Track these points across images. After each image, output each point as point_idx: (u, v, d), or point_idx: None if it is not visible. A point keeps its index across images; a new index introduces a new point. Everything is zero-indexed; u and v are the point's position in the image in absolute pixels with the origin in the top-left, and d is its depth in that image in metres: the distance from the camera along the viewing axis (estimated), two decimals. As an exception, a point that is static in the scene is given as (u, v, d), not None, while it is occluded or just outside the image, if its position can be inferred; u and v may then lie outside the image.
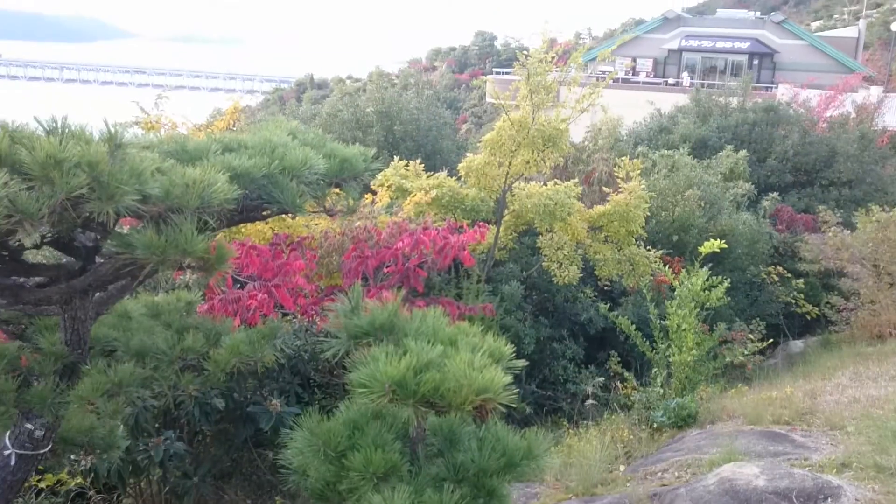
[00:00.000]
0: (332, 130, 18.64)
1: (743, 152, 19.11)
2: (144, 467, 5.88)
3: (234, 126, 9.59)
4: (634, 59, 46.09)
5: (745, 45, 44.46)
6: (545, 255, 11.74)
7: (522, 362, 3.42)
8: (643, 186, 12.70)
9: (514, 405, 3.10)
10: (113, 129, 2.57)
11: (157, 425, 6.17)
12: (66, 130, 2.56)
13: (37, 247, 3.42)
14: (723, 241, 8.85)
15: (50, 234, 3.20)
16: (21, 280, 3.35)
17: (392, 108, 20.38)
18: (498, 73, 46.32)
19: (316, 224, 8.69)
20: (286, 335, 6.59)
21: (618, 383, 10.10)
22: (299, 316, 7.36)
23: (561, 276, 11.42)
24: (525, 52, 11.37)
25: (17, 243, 3.26)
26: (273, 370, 6.63)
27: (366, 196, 10.33)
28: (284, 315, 7.08)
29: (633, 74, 45.51)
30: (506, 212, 11.99)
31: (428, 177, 12.30)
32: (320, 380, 7.34)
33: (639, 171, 12.82)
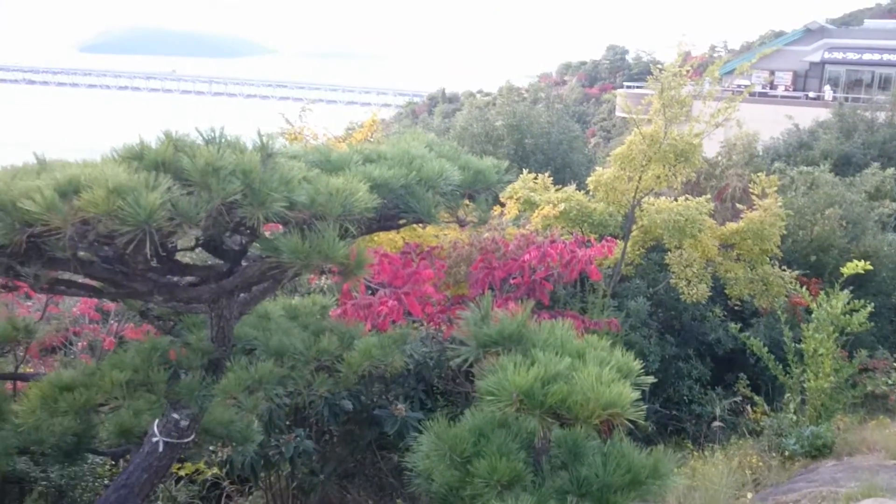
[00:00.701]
0: (463, 143, 18.90)
1: (891, 170, 18.00)
2: (275, 462, 6.13)
3: (371, 138, 9.89)
4: (772, 73, 44.22)
5: (895, 57, 41.84)
6: (673, 272, 11.45)
7: (650, 378, 3.37)
8: (779, 204, 12.18)
9: (641, 421, 3.06)
10: (264, 140, 2.74)
11: (288, 423, 6.42)
12: (223, 140, 2.75)
13: (191, 248, 3.67)
14: (867, 263, 8.37)
15: (203, 237, 3.43)
16: (175, 279, 3.60)
17: (522, 121, 20.44)
18: (629, 86, 45.55)
19: (445, 234, 8.83)
20: (414, 342, 6.73)
21: (746, 407, 9.72)
22: (426, 323, 7.49)
23: (689, 293, 11.10)
24: (658, 65, 11.16)
25: (173, 245, 3.51)
26: (399, 375, 6.78)
27: (495, 208, 10.41)
28: (412, 322, 7.23)
29: (771, 88, 43.67)
30: (634, 227, 11.78)
31: (556, 190, 12.26)
32: (443, 387, 7.45)
33: (775, 188, 12.30)
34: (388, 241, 8.67)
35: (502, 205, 11.23)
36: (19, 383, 5.48)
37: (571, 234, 10.25)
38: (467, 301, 6.04)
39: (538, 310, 7.66)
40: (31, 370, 6.16)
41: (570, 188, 12.36)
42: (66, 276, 3.34)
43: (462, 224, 4.09)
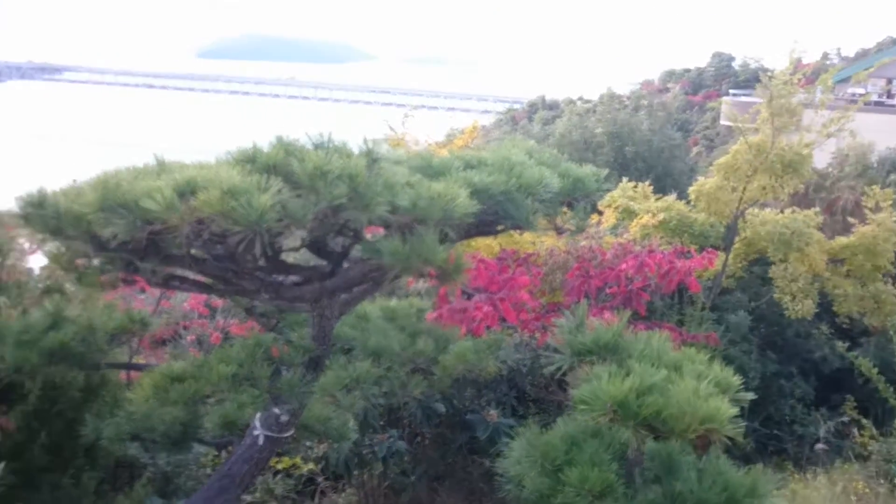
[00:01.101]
0: (563, 151, 18.79)
1: None
2: (368, 461, 6.25)
3: (471, 144, 9.98)
4: (889, 81, 42.04)
5: None
6: (777, 287, 11.05)
7: (750, 395, 3.29)
8: (894, 218, 11.58)
9: (738, 439, 2.99)
10: (370, 145, 2.82)
11: (382, 423, 6.54)
12: (331, 145, 2.85)
13: (296, 249, 3.80)
14: None
15: (308, 238, 3.55)
16: (280, 278, 3.73)
17: (623, 129, 20.19)
18: (735, 94, 44.13)
19: (542, 241, 8.81)
20: (507, 348, 6.75)
21: (853, 430, 9.28)
22: (520, 330, 7.49)
23: (794, 309, 10.69)
24: (768, 73, 10.81)
25: (279, 245, 3.65)
26: (492, 381, 6.81)
27: (592, 216, 10.32)
28: (506, 328, 7.25)
29: (888, 97, 41.51)
30: (736, 239, 11.44)
31: (656, 199, 12.04)
32: (535, 395, 7.44)
33: (890, 202, 11.70)
34: (485, 246, 8.72)
35: (600, 213, 11.12)
36: (132, 373, 5.79)
37: (671, 244, 10.04)
38: (562, 309, 6.02)
39: (634, 320, 7.55)
40: (143, 361, 6.48)
41: (671, 197, 12.11)
42: (180, 272, 3.52)
43: (560, 232, 4.08)
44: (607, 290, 7.89)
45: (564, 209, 3.99)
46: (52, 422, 5.03)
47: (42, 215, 2.83)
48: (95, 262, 3.17)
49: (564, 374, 3.63)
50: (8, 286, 4.87)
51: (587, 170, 3.85)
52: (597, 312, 6.74)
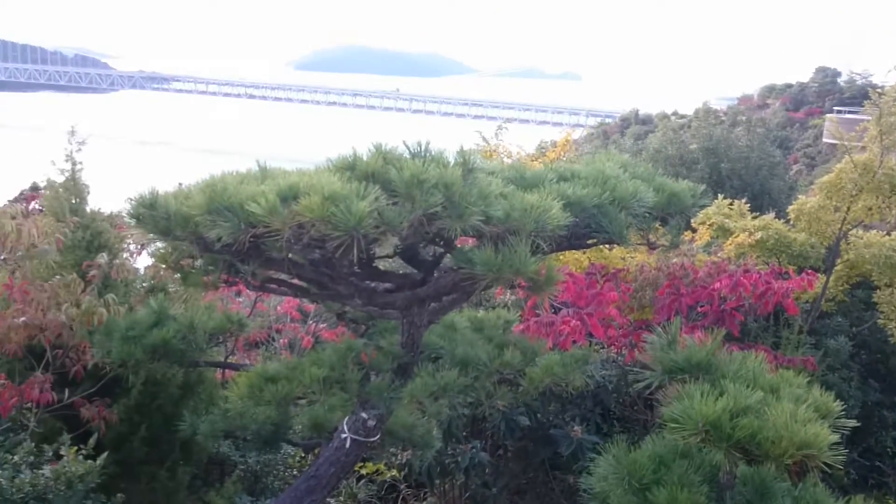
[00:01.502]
0: (656, 166, 18.49)
1: None
2: (450, 471, 6.27)
3: (563, 157, 9.94)
4: None
5: None
6: (881, 312, 10.54)
7: (852, 422, 3.16)
8: None
9: (837, 467, 2.88)
10: (466, 156, 2.86)
11: (465, 433, 6.56)
12: (427, 154, 2.89)
13: (389, 257, 3.87)
14: None
15: (401, 246, 3.61)
16: (373, 285, 3.81)
17: (719, 145, 19.69)
18: (839, 111, 42.57)
19: (632, 257, 8.68)
20: (594, 364, 6.67)
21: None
22: (607, 346, 7.40)
23: (900, 336, 10.18)
24: (878, 89, 10.37)
25: (373, 252, 3.72)
26: (577, 396, 6.75)
27: (685, 233, 10.11)
28: (593, 343, 7.17)
29: None
30: (838, 261, 10.98)
31: (753, 217, 11.68)
32: (620, 412, 7.33)
33: None
34: (574, 260, 8.65)
35: (693, 230, 10.87)
36: (227, 372, 5.98)
37: (767, 264, 9.72)
38: (652, 326, 5.92)
39: (727, 341, 7.35)
40: (237, 362, 6.69)
41: (769, 216, 11.72)
42: (278, 275, 3.64)
43: (652, 247, 4.03)
44: (699, 309, 7.71)
45: (657, 225, 3.93)
46: (152, 416, 5.24)
47: (153, 216, 2.98)
48: (199, 262, 3.30)
49: (651, 393, 3.57)
50: (116, 284, 5.11)
51: (683, 185, 3.79)
52: (688, 331, 6.60)
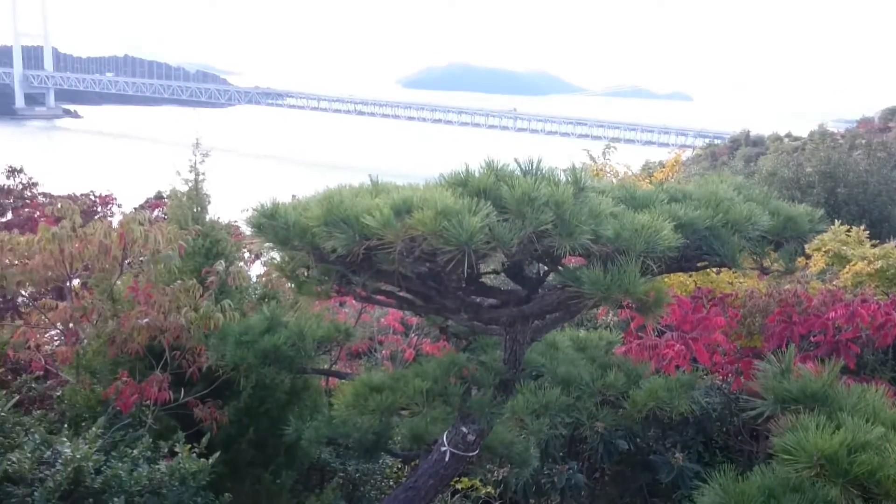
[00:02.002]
0: (770, 189, 17.89)
1: None
2: (546, 491, 6.22)
3: (672, 178, 9.77)
4: None
5: None
6: None
7: None
8: None
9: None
10: (577, 174, 2.87)
11: (562, 454, 6.50)
12: (539, 172, 2.92)
13: (495, 273, 3.90)
14: None
15: (507, 262, 3.64)
16: (478, 300, 3.84)
17: (837, 169, 18.88)
18: (971, 135, 40.02)
19: (740, 282, 8.42)
20: (698, 390, 6.51)
21: None
22: (712, 373, 7.20)
23: None
24: None
25: (479, 268, 3.76)
26: (678, 423, 6.59)
27: (799, 259, 9.73)
28: (697, 369, 6.99)
29: None
30: (966, 294, 10.34)
31: (871, 245, 11.14)
32: (723, 442, 7.11)
33: None
34: (679, 283, 8.45)
35: (808, 256, 10.46)
36: (331, 380, 6.13)
37: (887, 294, 9.25)
38: (761, 354, 5.72)
39: (842, 374, 7.02)
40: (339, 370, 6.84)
41: (889, 244, 11.16)
42: (386, 287, 3.72)
43: (765, 272, 3.91)
44: (811, 339, 7.41)
45: (770, 249, 3.82)
46: (260, 419, 5.43)
47: (273, 226, 3.11)
48: (314, 272, 3.42)
49: (759, 423, 3.45)
50: (232, 290, 5.34)
51: (800, 209, 3.67)
52: (799, 361, 6.35)
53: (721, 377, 7.26)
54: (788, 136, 70.39)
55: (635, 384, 4.20)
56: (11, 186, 9.92)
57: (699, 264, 3.57)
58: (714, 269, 7.26)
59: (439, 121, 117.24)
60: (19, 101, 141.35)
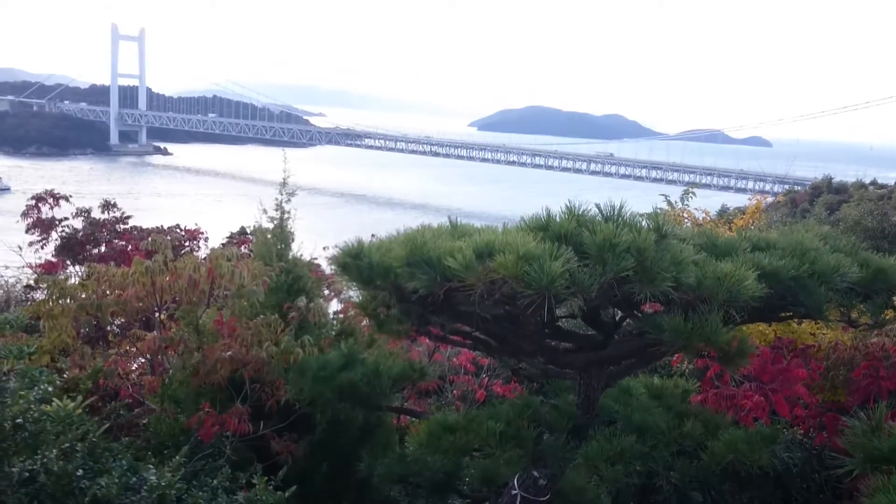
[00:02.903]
0: (855, 238, 17.32)
1: None
2: (617, 540, 6.06)
3: (752, 225, 9.59)
4: None
5: None
6: None
7: None
8: None
9: None
10: (659, 221, 2.87)
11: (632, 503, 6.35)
12: (620, 218, 2.93)
13: (572, 317, 3.91)
14: None
15: (585, 307, 3.63)
16: (553, 343, 3.85)
17: (928, 218, 18.23)
18: None
19: (823, 334, 8.15)
20: (778, 444, 6.30)
21: None
22: (793, 426, 6.96)
23: None
24: None
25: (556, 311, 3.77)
26: (756, 477, 6.37)
27: (887, 312, 9.37)
28: (776, 422, 6.77)
29: None
30: None
31: (965, 299, 10.66)
32: (804, 499, 6.84)
33: None
34: (758, 332, 8.23)
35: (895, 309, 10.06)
36: (403, 418, 6.17)
37: (984, 351, 8.81)
38: (844, 409, 5.52)
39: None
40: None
41: (985, 298, 10.66)
42: (462, 328, 3.76)
43: (853, 325, 3.81)
44: (902, 396, 7.11)
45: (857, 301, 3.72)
46: (333, 455, 5.48)
47: (357, 265, 3.20)
48: (395, 311, 3.49)
49: (843, 481, 3.34)
50: (311, 326, 5.45)
51: (891, 261, 3.58)
52: (888, 418, 6.09)
53: (803, 431, 7.00)
54: (873, 183, 68.22)
55: (713, 435, 4.11)
56: (105, 220, 10.37)
57: (783, 314, 3.51)
58: (796, 319, 7.06)
59: (514, 162, 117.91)
60: (114, 138, 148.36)
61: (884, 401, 6.94)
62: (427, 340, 6.23)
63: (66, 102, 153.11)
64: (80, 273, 8.99)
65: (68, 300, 5.17)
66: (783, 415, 6.56)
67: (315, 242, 7.13)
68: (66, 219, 10.45)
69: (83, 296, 5.09)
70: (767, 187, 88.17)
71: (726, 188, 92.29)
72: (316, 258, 6.73)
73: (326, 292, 6.97)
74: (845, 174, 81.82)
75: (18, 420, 3.60)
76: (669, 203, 10.10)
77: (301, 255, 5.90)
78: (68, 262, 9.89)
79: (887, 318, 8.86)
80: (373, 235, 4.53)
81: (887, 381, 6.92)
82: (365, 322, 5.57)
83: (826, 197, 65.20)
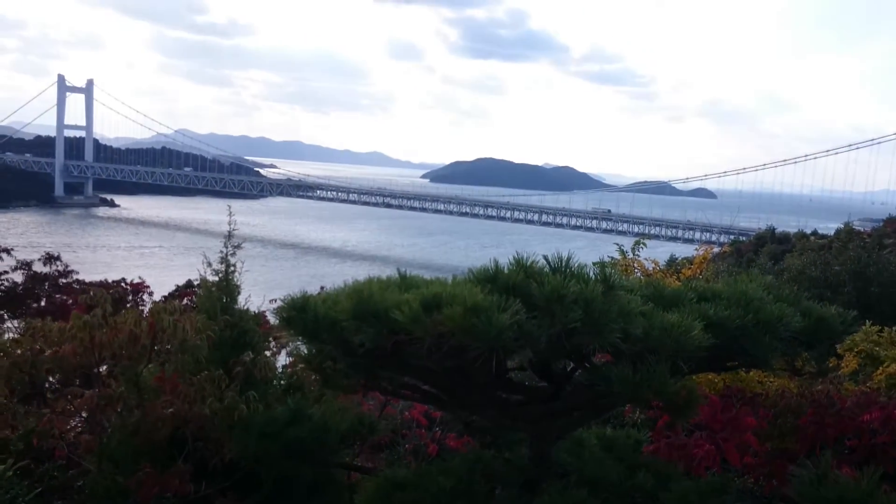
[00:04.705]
0: (799, 288, 17.73)
1: None
2: None
3: (699, 275, 9.72)
4: None
5: None
6: None
7: None
8: None
9: None
10: (606, 272, 2.88)
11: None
12: (568, 269, 2.93)
13: (521, 369, 3.88)
14: None
15: (534, 359, 3.61)
16: (505, 396, 3.81)
17: (868, 268, 18.73)
18: None
19: (771, 382, 8.25)
20: (730, 493, 6.29)
21: None
22: (742, 476, 6.96)
23: None
24: None
25: (506, 363, 3.74)
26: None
27: (830, 360, 9.54)
28: (726, 471, 6.78)
29: None
30: None
31: (905, 346, 10.90)
32: (757, 549, 6.81)
33: None
34: (707, 381, 8.30)
35: (839, 357, 10.26)
36: (353, 474, 6.02)
37: (924, 398, 8.99)
38: (793, 456, 5.55)
39: (881, 480, 6.77)
40: (361, 464, 6.72)
41: (924, 345, 10.92)
42: (412, 381, 3.71)
43: (798, 373, 3.86)
44: (846, 442, 7.18)
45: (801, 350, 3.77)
46: (280, 514, 5.31)
47: (302, 319, 3.14)
48: (342, 366, 3.42)
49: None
50: (257, 381, 5.31)
51: (832, 310, 3.65)
52: (835, 466, 6.14)
53: (753, 480, 7.02)
54: (814, 233, 70.29)
55: (665, 486, 4.09)
56: (48, 273, 10.11)
57: (730, 364, 3.53)
58: (744, 369, 7.14)
59: (466, 213, 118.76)
60: (59, 190, 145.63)
61: (829, 448, 7.03)
62: (378, 394, 6.13)
63: (9, 154, 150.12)
64: (18, 328, 8.70)
65: (1, 356, 4.97)
66: (734, 463, 6.56)
67: (263, 295, 7.00)
68: (6, 272, 10.16)
69: (18, 352, 4.90)
70: (714, 237, 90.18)
71: (674, 238, 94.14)
72: (264, 311, 6.60)
73: (274, 346, 6.83)
74: (787, 224, 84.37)
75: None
76: (622, 253, 10.21)
77: (248, 308, 5.79)
78: (6, 317, 9.57)
79: (831, 365, 9.03)
80: (322, 288, 4.46)
81: (832, 429, 6.99)
82: (314, 376, 5.46)
83: (770, 247, 66.87)
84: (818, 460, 3.31)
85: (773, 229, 75.80)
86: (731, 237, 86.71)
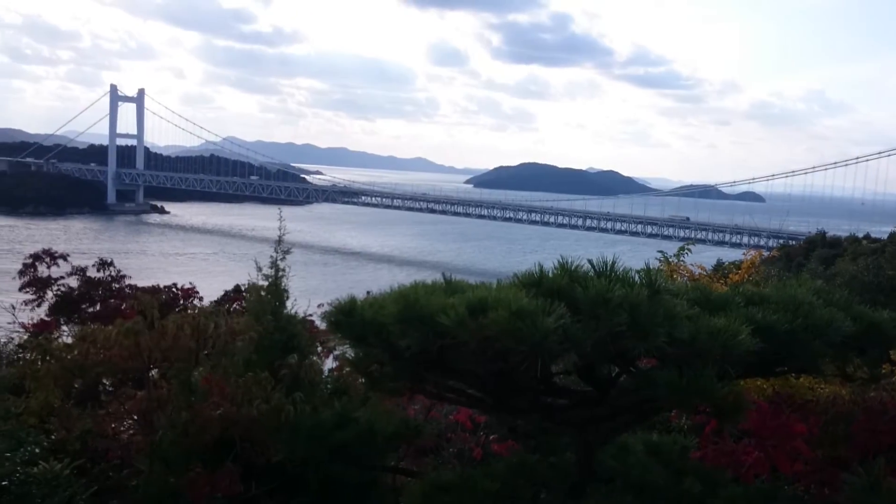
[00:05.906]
0: (851, 292, 17.36)
1: None
2: None
3: (748, 279, 9.56)
4: None
5: None
6: None
7: None
8: None
9: None
10: (652, 276, 2.87)
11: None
12: (613, 273, 2.93)
13: (567, 373, 3.87)
14: None
15: (580, 363, 3.60)
16: (550, 400, 3.81)
17: (922, 271, 18.31)
18: None
19: (822, 388, 8.09)
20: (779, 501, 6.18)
21: None
22: (793, 483, 6.83)
23: None
24: None
25: (551, 367, 3.73)
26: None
27: (884, 365, 9.31)
28: (776, 478, 6.66)
29: None
30: None
31: (963, 352, 10.60)
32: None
33: None
34: (756, 387, 8.16)
35: (893, 363, 10.01)
36: (398, 476, 6.05)
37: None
38: (845, 464, 5.43)
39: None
40: (406, 467, 6.74)
41: (982, 352, 10.60)
42: (457, 385, 3.73)
43: (849, 379, 3.79)
44: (901, 451, 7.01)
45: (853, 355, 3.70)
46: (327, 516, 5.35)
47: (350, 323, 3.18)
48: (388, 369, 3.46)
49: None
50: (304, 384, 5.38)
51: (884, 315, 3.58)
52: (889, 473, 5.99)
53: (804, 487, 6.88)
54: (867, 237, 68.67)
55: (713, 492, 4.04)
56: (101, 278, 10.37)
57: (778, 369, 3.49)
58: (794, 374, 7.02)
59: (509, 218, 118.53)
60: (111, 197, 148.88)
61: (882, 455, 6.86)
62: (423, 397, 6.16)
63: (65, 162, 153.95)
64: (74, 332, 8.94)
65: (53, 361, 5.12)
66: (783, 471, 6.45)
67: (310, 299, 7.09)
68: (62, 277, 10.43)
69: (68, 357, 5.04)
70: (762, 242, 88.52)
71: (721, 243, 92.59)
72: (311, 315, 6.68)
73: (321, 350, 6.90)
74: (838, 228, 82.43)
75: (3, 482, 3.53)
76: (666, 259, 10.08)
77: (295, 312, 5.86)
78: (62, 321, 9.83)
79: (884, 372, 8.82)
80: (368, 292, 4.51)
81: (886, 436, 6.83)
82: (360, 379, 5.51)
83: (821, 251, 65.47)
84: (871, 468, 3.24)
85: (824, 233, 74.21)
86: (780, 241, 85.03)
